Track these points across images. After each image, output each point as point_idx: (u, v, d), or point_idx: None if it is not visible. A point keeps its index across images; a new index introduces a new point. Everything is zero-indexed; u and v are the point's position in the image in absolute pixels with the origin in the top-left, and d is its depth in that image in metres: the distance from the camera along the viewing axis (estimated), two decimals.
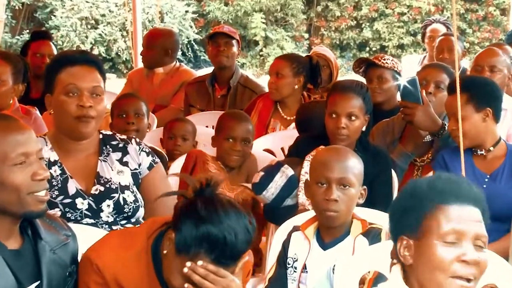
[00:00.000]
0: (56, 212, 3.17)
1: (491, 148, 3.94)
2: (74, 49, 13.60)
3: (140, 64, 6.76)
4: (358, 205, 3.23)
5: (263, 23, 15.78)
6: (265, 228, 4.17)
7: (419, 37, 10.79)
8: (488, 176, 3.91)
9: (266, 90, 5.52)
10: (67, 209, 3.20)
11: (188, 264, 2.43)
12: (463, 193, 2.27)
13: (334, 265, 3.01)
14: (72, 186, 3.23)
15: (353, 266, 2.96)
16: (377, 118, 4.56)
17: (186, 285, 2.45)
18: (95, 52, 14.40)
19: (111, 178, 3.27)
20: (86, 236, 2.89)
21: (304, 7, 16.29)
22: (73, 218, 3.20)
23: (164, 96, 6.26)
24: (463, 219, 2.24)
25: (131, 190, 3.29)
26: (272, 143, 4.99)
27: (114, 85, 9.65)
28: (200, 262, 2.43)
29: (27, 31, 14.91)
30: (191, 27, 15.51)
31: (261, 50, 15.93)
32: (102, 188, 3.25)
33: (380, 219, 3.30)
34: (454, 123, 3.80)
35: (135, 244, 2.61)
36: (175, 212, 2.51)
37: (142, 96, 5.10)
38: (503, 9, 15.60)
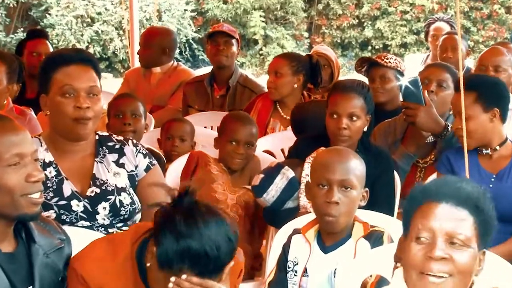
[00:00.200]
0: (51, 214, 3.15)
1: (497, 148, 3.89)
2: (70, 47, 13.52)
3: (137, 64, 6.75)
4: (359, 207, 3.21)
5: (263, 21, 15.76)
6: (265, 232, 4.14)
7: (422, 35, 10.72)
8: (494, 176, 3.87)
9: (266, 89, 5.49)
10: (62, 211, 3.18)
11: (173, 279, 2.41)
12: (442, 192, 2.31)
13: (335, 269, 3.05)
14: (68, 188, 3.21)
15: (355, 269, 2.96)
16: (379, 118, 4.53)
17: None
18: (91, 51, 14.34)
19: (107, 180, 3.24)
20: (81, 239, 2.85)
21: (305, 5, 16.26)
22: (68, 220, 3.17)
23: (161, 96, 6.23)
24: (437, 217, 2.29)
25: (128, 192, 3.26)
26: (272, 144, 4.97)
27: (111, 84, 9.65)
28: (184, 276, 2.40)
29: (22, 29, 14.89)
30: (189, 25, 15.48)
31: (260, 49, 15.91)
32: (98, 190, 3.22)
33: (382, 221, 3.29)
34: (459, 121, 3.76)
35: (120, 251, 2.59)
36: (155, 223, 2.47)
37: (139, 96, 5.08)
38: (508, 7, 15.58)
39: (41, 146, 3.23)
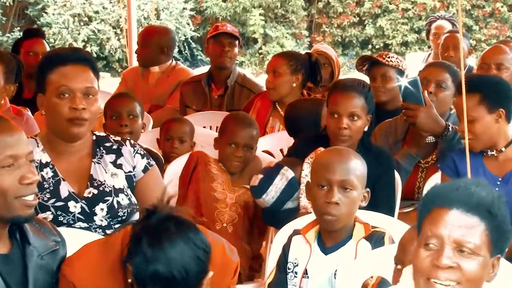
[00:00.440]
0: (48, 215, 3.13)
1: (503, 149, 3.85)
2: (66, 46, 13.49)
3: (135, 63, 6.75)
4: (360, 208, 3.20)
5: (263, 20, 15.74)
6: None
7: (423, 34, 10.72)
8: (500, 179, 3.83)
9: (264, 88, 5.46)
10: (59, 213, 3.16)
11: None
12: (453, 197, 2.26)
13: (336, 270, 3.03)
14: (65, 189, 3.19)
15: (356, 271, 2.95)
16: (380, 118, 4.52)
17: None
18: (88, 50, 14.32)
19: (104, 180, 3.22)
20: (79, 241, 2.82)
21: (305, 4, 16.24)
22: (65, 222, 3.16)
23: (160, 95, 6.21)
24: (446, 224, 2.24)
25: (126, 193, 3.24)
26: (271, 144, 4.95)
27: (108, 84, 9.61)
28: None
29: (18, 28, 14.90)
30: (188, 24, 15.45)
31: (260, 48, 15.89)
32: (95, 191, 3.20)
33: (383, 222, 3.28)
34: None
35: (111, 255, 2.55)
36: (129, 241, 2.42)
37: (137, 96, 5.08)
38: (511, 5, 15.56)
39: (38, 146, 3.21)
